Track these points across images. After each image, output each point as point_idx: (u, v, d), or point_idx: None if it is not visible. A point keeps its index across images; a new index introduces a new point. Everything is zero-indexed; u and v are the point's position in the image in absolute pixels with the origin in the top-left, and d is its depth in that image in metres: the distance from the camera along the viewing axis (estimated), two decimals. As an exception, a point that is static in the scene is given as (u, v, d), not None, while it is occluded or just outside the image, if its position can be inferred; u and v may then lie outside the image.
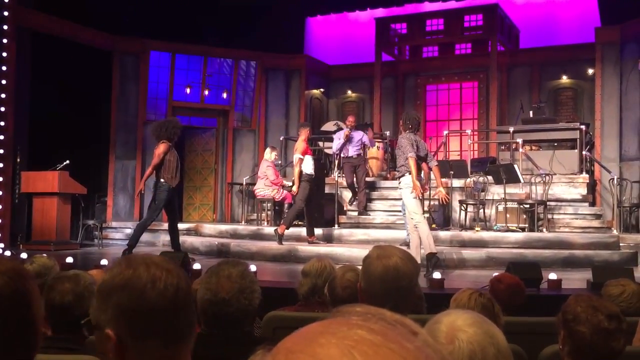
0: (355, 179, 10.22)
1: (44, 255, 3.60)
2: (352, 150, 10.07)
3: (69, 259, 6.62)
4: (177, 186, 8.02)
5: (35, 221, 9.82)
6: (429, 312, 3.31)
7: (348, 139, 10.03)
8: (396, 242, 8.28)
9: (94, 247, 10.55)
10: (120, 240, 11.65)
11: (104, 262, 6.52)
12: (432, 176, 7.78)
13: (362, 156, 10.28)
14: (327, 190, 10.57)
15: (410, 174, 6.65)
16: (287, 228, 8.58)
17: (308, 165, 8.61)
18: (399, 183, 6.88)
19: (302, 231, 9.36)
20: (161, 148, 7.82)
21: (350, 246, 8.47)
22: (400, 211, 10.04)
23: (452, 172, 9.74)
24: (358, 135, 10.16)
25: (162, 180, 7.78)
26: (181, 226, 10.45)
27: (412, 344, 0.58)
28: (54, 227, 9.73)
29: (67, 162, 9.99)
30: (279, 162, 11.46)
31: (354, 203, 10.37)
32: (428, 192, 9.46)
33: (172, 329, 1.19)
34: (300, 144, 8.69)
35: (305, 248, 8.31)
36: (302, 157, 8.58)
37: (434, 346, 0.61)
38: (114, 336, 1.17)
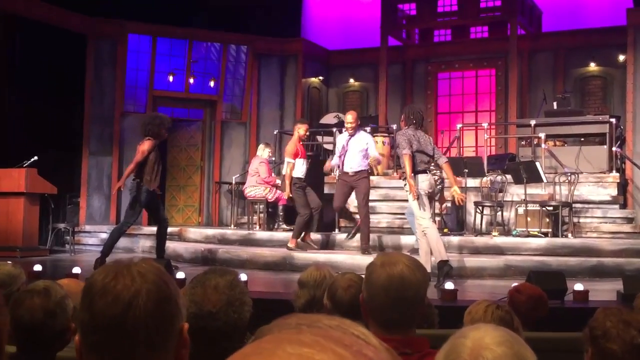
0: (351, 202, 8.85)
1: (9, 262, 3.60)
2: (350, 163, 8.04)
3: (37, 267, 6.62)
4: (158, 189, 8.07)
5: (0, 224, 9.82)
6: (441, 326, 3.32)
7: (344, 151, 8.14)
8: (404, 248, 8.28)
9: (65, 254, 10.54)
10: (94, 246, 11.63)
11: (76, 270, 6.52)
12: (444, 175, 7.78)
13: (366, 171, 8.13)
14: (326, 190, 10.58)
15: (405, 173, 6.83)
16: (297, 239, 8.64)
17: (298, 169, 8.67)
18: (405, 185, 6.93)
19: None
20: (146, 145, 7.86)
21: (352, 253, 8.46)
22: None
23: (467, 171, 9.74)
24: (359, 141, 8.12)
25: (141, 181, 7.84)
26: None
27: (349, 349, 0.59)
28: (21, 231, 9.71)
29: (35, 158, 9.98)
30: (273, 159, 11.46)
31: (352, 237, 8.68)
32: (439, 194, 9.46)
33: (118, 349, 1.16)
34: (291, 146, 8.73)
35: (301, 255, 8.31)
36: (292, 160, 8.63)
37: (376, 346, 0.63)
38: (77, 343, 1.21)
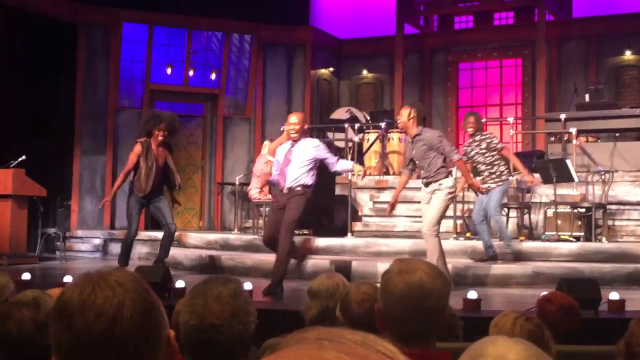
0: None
1: (-5, 270, 3.61)
2: (289, 178, 6.90)
3: (26, 275, 6.65)
4: (152, 194, 7.99)
5: (-15, 230, 9.88)
6: (464, 339, 3.31)
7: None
8: (422, 254, 8.26)
9: (55, 261, 10.59)
10: (87, 253, 11.70)
11: (67, 278, 6.54)
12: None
13: (303, 189, 6.86)
14: (337, 191, 10.58)
15: (450, 175, 6.97)
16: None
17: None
18: (433, 185, 6.92)
19: (308, 242, 9.36)
20: (134, 148, 7.99)
21: (366, 260, 8.46)
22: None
23: (491, 169, 9.71)
24: (303, 150, 6.93)
25: (131, 187, 7.97)
26: (159, 235, 10.48)
27: None
28: (7, 236, 9.76)
29: (23, 157, 10.02)
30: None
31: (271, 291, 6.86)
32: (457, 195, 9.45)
33: None
34: (274, 144, 8.70)
35: (311, 262, 8.31)
36: (272, 159, 8.62)
37: None
38: None
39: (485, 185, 8.17)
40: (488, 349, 1.09)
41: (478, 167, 8.28)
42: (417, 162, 7.03)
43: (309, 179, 6.89)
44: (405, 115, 6.98)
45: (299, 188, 6.82)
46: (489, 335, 1.19)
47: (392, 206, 7.35)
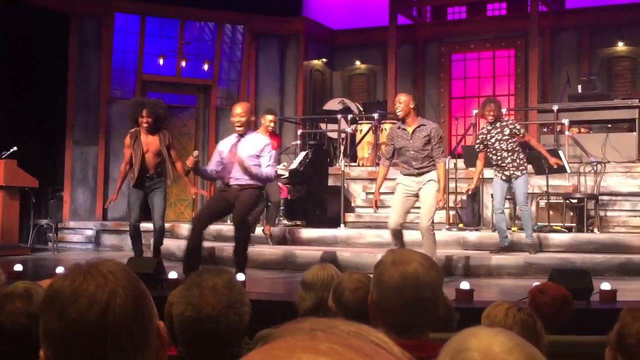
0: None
1: (-12, 262, 3.60)
2: (236, 174, 6.59)
3: (18, 267, 6.64)
4: (146, 184, 7.82)
5: (-23, 221, 9.85)
6: (458, 330, 3.31)
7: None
8: (414, 245, 8.28)
9: (47, 252, 10.58)
10: (79, 244, 11.67)
11: (59, 269, 6.53)
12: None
13: (256, 186, 6.61)
14: (330, 182, 10.58)
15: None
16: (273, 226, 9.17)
17: None
18: (429, 175, 6.84)
19: (301, 232, 9.39)
20: (124, 141, 7.99)
21: (359, 250, 8.47)
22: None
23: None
24: (251, 144, 6.62)
25: None
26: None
27: (370, 359, 0.59)
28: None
29: (15, 148, 9.98)
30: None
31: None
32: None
33: (99, 356, 1.14)
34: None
35: (304, 253, 8.32)
36: None
37: (399, 356, 0.63)
38: (44, 358, 1.18)
39: (508, 173, 7.94)
40: (471, 342, 1.06)
41: (497, 155, 7.98)
42: (410, 152, 6.84)
43: (255, 177, 6.55)
44: (408, 102, 6.86)
45: (250, 183, 6.55)
46: (471, 327, 1.17)
47: (376, 202, 7.16)
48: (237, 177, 6.54)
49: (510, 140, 7.98)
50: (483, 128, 8.39)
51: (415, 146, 6.85)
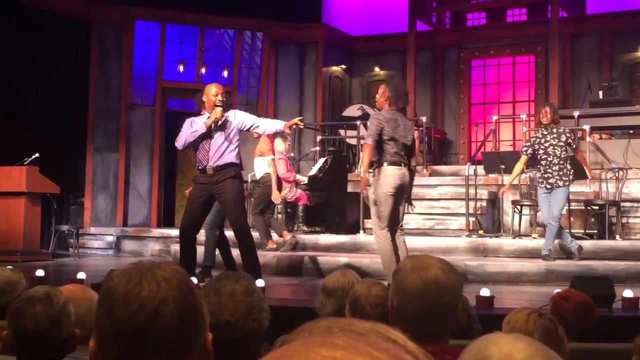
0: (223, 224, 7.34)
1: (9, 267, 3.63)
2: (213, 157, 6.36)
3: (40, 272, 6.68)
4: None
5: (-1, 226, 9.93)
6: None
7: (212, 127, 6.45)
8: (434, 251, 8.25)
9: (68, 258, 10.64)
10: (99, 250, 11.74)
11: (80, 275, 6.57)
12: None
13: (233, 169, 6.42)
14: (350, 188, 10.57)
15: (387, 164, 6.18)
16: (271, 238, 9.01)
17: (264, 167, 8.93)
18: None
19: (319, 238, 9.37)
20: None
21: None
22: (441, 214, 10.02)
23: (503, 167, 9.67)
24: (228, 124, 6.54)
25: None
26: (172, 232, 10.52)
27: (386, 353, 0.61)
28: (21, 233, 9.81)
29: (37, 155, 10.07)
30: (291, 154, 11.48)
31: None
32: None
33: (139, 359, 1.18)
34: (266, 144, 8.93)
35: (323, 259, 8.32)
36: (273, 156, 8.90)
37: (414, 352, 0.64)
38: (92, 351, 1.22)
39: (552, 181, 7.70)
40: (491, 349, 1.05)
41: (547, 160, 7.77)
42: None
43: (234, 157, 6.42)
44: (380, 93, 6.35)
45: (229, 169, 6.33)
46: (503, 332, 1.16)
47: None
48: (214, 161, 6.30)
49: (564, 148, 7.81)
50: (536, 132, 8.10)
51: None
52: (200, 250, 7.12)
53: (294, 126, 6.60)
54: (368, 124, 6.34)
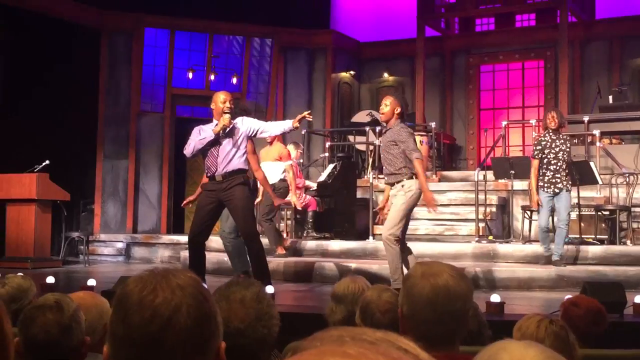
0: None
1: (20, 274, 3.64)
2: (222, 163, 6.32)
3: (50, 279, 6.71)
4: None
5: (10, 233, 9.96)
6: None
7: (221, 133, 6.33)
8: (444, 257, 8.24)
9: (79, 265, 10.67)
10: (110, 257, 11.77)
11: (90, 282, 6.59)
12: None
13: (241, 175, 6.35)
14: (359, 194, 10.56)
15: (416, 176, 6.25)
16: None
17: (278, 173, 8.94)
18: (396, 187, 6.36)
19: (329, 244, 9.37)
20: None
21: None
22: (450, 220, 10.00)
23: (513, 172, 9.64)
24: (237, 130, 6.42)
25: None
26: (181, 238, 10.53)
27: None
28: (32, 240, 9.84)
29: (47, 162, 10.11)
30: (301, 160, 11.48)
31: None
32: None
33: None
34: (282, 148, 9.05)
35: (332, 265, 8.32)
36: (291, 161, 9.00)
37: None
38: (106, 355, 1.22)
39: (560, 186, 7.81)
40: (502, 356, 1.05)
41: (555, 165, 7.83)
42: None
43: (243, 163, 6.37)
44: (389, 108, 6.38)
45: (236, 176, 6.29)
46: (514, 338, 1.15)
47: (382, 209, 6.74)
48: (222, 167, 6.27)
49: (569, 153, 7.94)
50: (544, 135, 8.09)
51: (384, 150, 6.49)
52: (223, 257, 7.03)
53: (304, 119, 6.58)
54: (403, 137, 6.30)
